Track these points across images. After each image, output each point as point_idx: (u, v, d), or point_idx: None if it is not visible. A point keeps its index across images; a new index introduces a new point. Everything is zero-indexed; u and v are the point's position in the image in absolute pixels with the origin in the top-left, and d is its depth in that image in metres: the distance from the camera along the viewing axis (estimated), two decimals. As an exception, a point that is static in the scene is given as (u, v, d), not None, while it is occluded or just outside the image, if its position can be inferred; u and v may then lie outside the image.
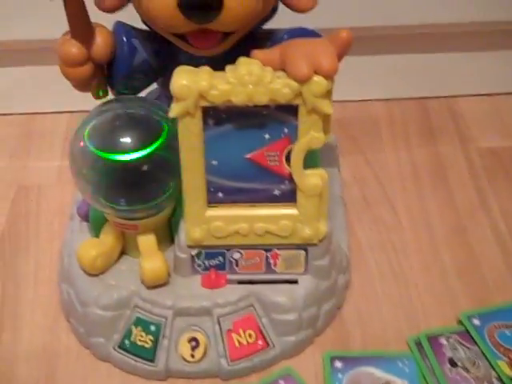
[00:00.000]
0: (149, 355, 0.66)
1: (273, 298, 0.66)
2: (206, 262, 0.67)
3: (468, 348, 0.68)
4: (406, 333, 0.70)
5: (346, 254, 0.73)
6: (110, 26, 0.63)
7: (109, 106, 0.64)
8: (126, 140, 0.61)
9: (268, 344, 0.67)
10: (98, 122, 0.63)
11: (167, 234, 0.69)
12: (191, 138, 0.60)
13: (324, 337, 0.70)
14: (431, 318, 0.71)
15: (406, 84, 0.98)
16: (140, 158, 0.61)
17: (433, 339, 0.68)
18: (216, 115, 0.60)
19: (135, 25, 0.64)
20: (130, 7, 0.62)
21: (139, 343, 0.66)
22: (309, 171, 0.62)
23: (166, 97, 0.64)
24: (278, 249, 0.66)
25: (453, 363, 0.67)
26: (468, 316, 0.70)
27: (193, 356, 0.66)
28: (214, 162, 0.62)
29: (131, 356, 0.66)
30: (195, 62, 0.60)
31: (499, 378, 0.66)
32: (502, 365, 0.66)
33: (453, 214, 0.83)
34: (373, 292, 0.74)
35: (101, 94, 0.65)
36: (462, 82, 0.99)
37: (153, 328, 0.66)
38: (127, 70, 0.64)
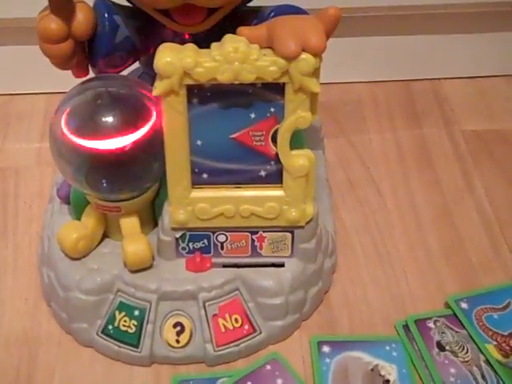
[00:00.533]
0: (133, 340, 0.65)
1: (259, 281, 0.65)
2: (191, 245, 0.66)
3: (456, 332, 0.68)
4: (394, 316, 0.69)
5: (332, 236, 0.72)
6: (90, 2, 0.62)
7: (90, 85, 0.62)
8: (110, 124, 0.60)
9: (254, 329, 0.66)
10: (79, 102, 0.61)
11: (150, 217, 0.68)
12: (175, 118, 0.59)
13: (311, 321, 0.70)
14: (418, 302, 0.71)
15: (390, 66, 0.98)
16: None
17: (420, 323, 0.68)
18: (201, 94, 0.58)
19: (117, 1, 0.63)
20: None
21: (123, 328, 0.65)
22: (295, 152, 0.61)
23: (149, 76, 0.62)
24: (263, 231, 0.65)
25: (441, 347, 0.66)
26: (456, 299, 0.70)
27: (178, 341, 0.65)
28: (199, 142, 0.61)
29: (115, 341, 0.65)
30: (179, 40, 0.58)
31: (487, 362, 0.65)
32: (490, 348, 0.66)
33: (438, 196, 0.83)
34: (359, 276, 0.74)
35: None
36: (446, 65, 0.98)
37: (136, 313, 0.65)
38: (109, 48, 0.62)
